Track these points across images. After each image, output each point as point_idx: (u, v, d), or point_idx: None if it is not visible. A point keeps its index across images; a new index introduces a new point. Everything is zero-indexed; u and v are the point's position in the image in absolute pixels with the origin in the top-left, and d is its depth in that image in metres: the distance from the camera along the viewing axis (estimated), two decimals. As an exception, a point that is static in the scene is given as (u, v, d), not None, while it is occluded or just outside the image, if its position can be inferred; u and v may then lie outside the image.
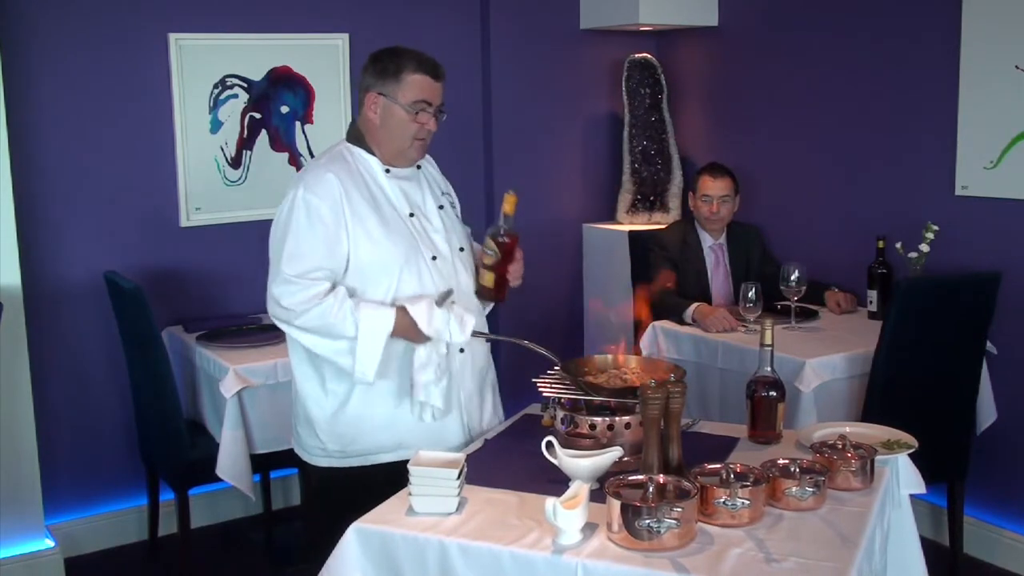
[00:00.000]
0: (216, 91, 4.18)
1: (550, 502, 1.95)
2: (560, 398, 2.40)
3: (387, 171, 2.58)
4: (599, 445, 2.27)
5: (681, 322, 3.83)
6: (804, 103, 4.44)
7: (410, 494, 2.12)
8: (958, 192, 3.85)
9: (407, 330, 2.47)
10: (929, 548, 2.60)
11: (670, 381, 2.26)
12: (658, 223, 4.79)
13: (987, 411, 3.70)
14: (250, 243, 4.24)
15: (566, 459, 2.18)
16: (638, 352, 3.62)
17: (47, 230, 3.90)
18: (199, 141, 4.16)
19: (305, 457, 2.66)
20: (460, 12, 4.74)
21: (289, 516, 4.37)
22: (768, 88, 4.60)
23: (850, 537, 1.99)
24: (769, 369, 2.47)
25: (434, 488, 2.10)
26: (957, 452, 3.57)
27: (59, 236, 3.92)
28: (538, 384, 2.46)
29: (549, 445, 2.23)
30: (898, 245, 3.85)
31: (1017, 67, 3.62)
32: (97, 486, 4.06)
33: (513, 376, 4.80)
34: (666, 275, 4.03)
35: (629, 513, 1.91)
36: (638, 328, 4.07)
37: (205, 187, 4.18)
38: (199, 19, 4.12)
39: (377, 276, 2.51)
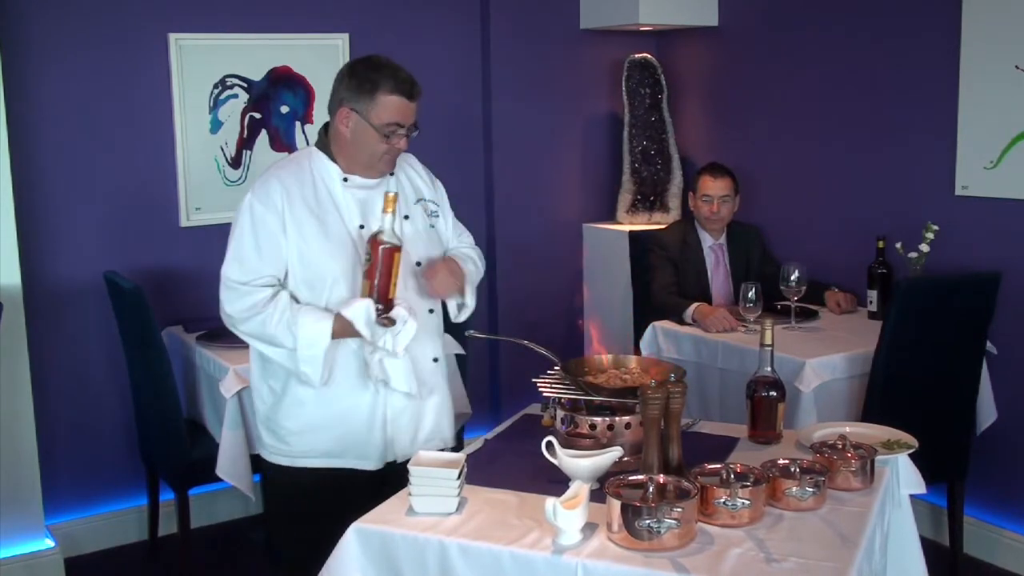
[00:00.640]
0: (216, 91, 4.18)
1: (550, 502, 1.95)
2: (560, 398, 2.41)
3: (344, 180, 2.53)
4: (599, 445, 2.27)
5: (681, 322, 3.83)
6: (804, 103, 4.44)
7: (410, 494, 2.12)
8: (958, 192, 3.85)
9: (345, 332, 2.43)
10: (929, 548, 2.60)
11: (670, 381, 2.26)
12: (658, 223, 4.78)
13: (987, 411, 3.70)
14: (250, 243, 4.25)
15: (566, 459, 2.18)
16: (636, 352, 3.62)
17: (47, 230, 3.90)
18: (199, 141, 4.16)
19: (258, 447, 2.69)
20: (460, 12, 4.74)
21: (289, 516, 4.36)
22: (768, 88, 4.60)
23: (850, 537, 1.99)
24: (769, 369, 2.47)
25: (434, 488, 2.11)
26: (957, 452, 3.57)
27: (59, 236, 3.92)
28: (538, 384, 2.46)
29: (549, 445, 2.23)
30: (898, 245, 3.85)
31: (1017, 67, 3.62)
32: (97, 486, 4.06)
33: (513, 376, 4.82)
34: (666, 276, 4.04)
35: (629, 513, 1.91)
36: (638, 328, 4.08)
37: (205, 187, 4.18)
38: (199, 19, 4.12)
39: (313, 286, 2.47)
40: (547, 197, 4.99)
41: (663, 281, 4.02)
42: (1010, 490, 3.81)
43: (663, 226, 4.45)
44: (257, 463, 3.52)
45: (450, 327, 2.77)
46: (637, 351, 3.94)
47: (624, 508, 1.92)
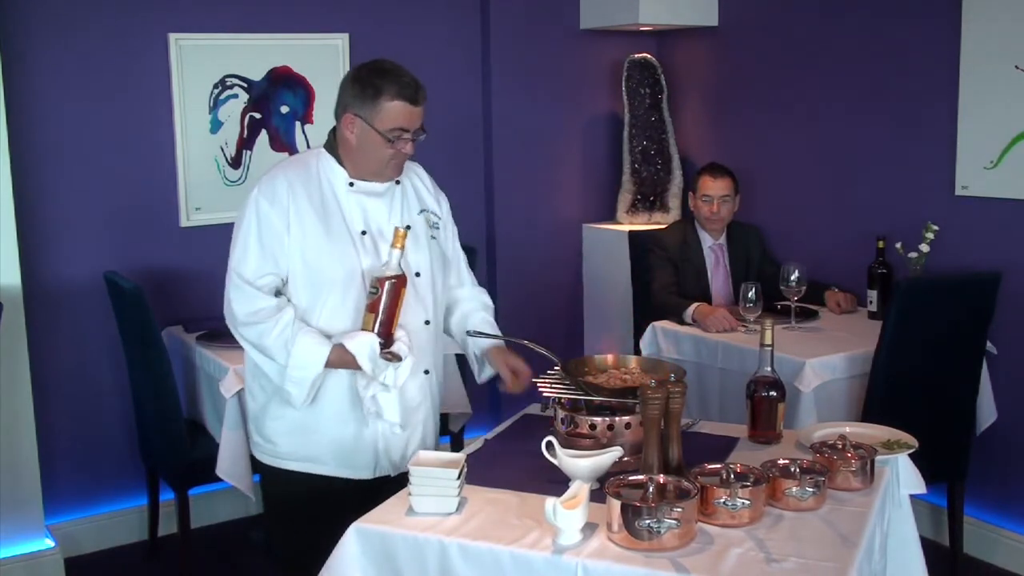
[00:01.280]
0: (216, 91, 4.18)
1: (550, 502, 1.95)
2: (560, 398, 2.40)
3: (350, 184, 2.52)
4: (599, 445, 2.27)
5: (681, 322, 3.83)
6: (804, 103, 4.44)
7: (410, 494, 2.12)
8: (958, 192, 3.85)
9: (343, 363, 2.42)
10: (929, 548, 2.60)
11: (670, 381, 2.26)
12: (658, 223, 4.78)
13: (987, 411, 3.70)
14: (250, 243, 4.24)
15: (566, 459, 2.18)
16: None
17: (47, 230, 3.90)
18: (199, 141, 4.16)
19: (251, 446, 2.68)
20: (460, 12, 4.74)
21: (289, 516, 4.36)
22: (768, 88, 4.60)
23: (850, 537, 1.99)
24: (769, 369, 2.47)
25: (434, 488, 2.10)
26: (957, 452, 3.57)
27: (59, 236, 3.92)
28: (538, 384, 2.46)
29: (549, 445, 2.23)
30: (898, 245, 3.85)
31: (1017, 67, 3.62)
32: (97, 486, 4.06)
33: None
34: (666, 276, 4.04)
35: (629, 513, 1.91)
36: (638, 328, 4.08)
37: (205, 187, 4.18)
38: (199, 19, 4.12)
39: (314, 287, 2.46)
40: (547, 197, 4.99)
41: (663, 281, 4.02)
42: (1010, 490, 3.81)
43: (663, 226, 4.45)
44: (257, 463, 3.54)
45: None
46: (637, 351, 3.94)
47: (624, 508, 1.92)
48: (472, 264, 4.13)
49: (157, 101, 4.07)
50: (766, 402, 2.48)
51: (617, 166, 5.06)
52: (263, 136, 4.30)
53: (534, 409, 2.72)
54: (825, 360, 3.39)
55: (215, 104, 4.18)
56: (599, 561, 1.90)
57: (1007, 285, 3.52)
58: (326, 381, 2.46)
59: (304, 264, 2.45)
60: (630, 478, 2.06)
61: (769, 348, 2.47)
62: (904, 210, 4.03)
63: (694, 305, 3.81)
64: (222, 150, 4.23)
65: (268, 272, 2.45)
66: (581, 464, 2.17)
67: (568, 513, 1.95)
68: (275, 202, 2.45)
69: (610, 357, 2.58)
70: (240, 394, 3.43)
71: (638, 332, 4.19)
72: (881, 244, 3.87)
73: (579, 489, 2.01)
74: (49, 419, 3.89)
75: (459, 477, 2.11)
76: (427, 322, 2.57)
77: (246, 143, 4.28)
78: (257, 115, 4.28)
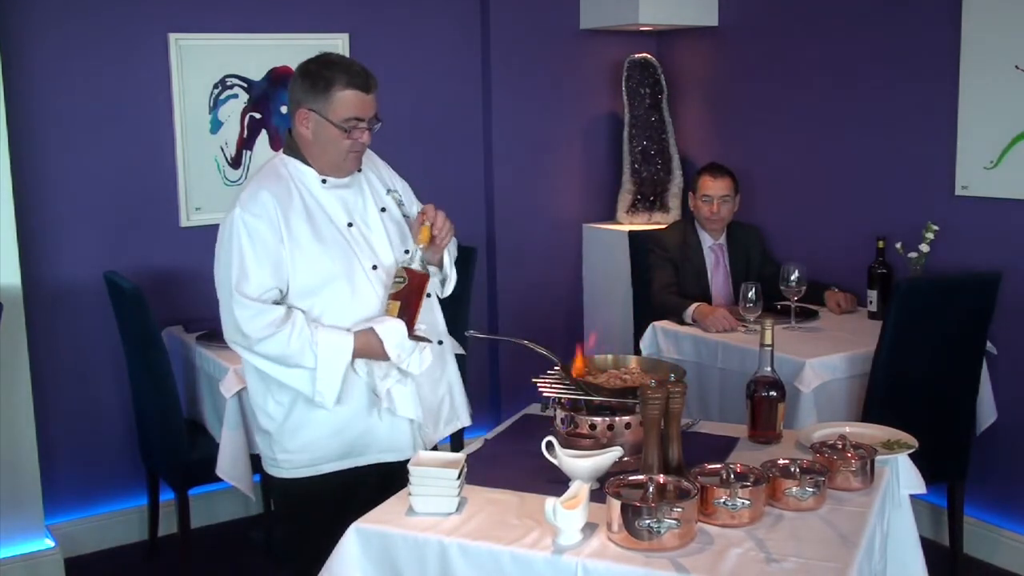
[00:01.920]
0: (216, 91, 4.18)
1: (550, 502, 1.95)
2: (560, 398, 2.40)
3: (323, 181, 2.52)
4: (599, 445, 2.27)
5: (681, 322, 3.83)
6: (804, 103, 4.44)
7: (410, 494, 2.12)
8: (958, 192, 3.85)
9: (367, 351, 2.44)
10: (929, 548, 2.60)
11: (670, 381, 2.26)
12: (658, 223, 4.78)
13: (987, 411, 3.70)
14: (250, 243, 4.24)
15: (566, 459, 2.18)
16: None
17: (47, 230, 3.90)
18: (199, 141, 4.16)
19: (264, 466, 2.64)
20: (460, 12, 4.74)
21: (289, 516, 4.36)
22: (768, 88, 4.60)
23: (850, 537, 1.99)
24: (769, 369, 2.47)
25: (434, 488, 2.10)
26: (957, 452, 3.57)
27: (59, 236, 3.92)
28: (538, 384, 2.46)
29: (549, 445, 2.23)
30: (898, 245, 3.85)
31: (1017, 67, 3.62)
32: (97, 486, 4.06)
33: (513, 376, 4.82)
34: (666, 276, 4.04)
35: (629, 513, 1.91)
36: (638, 328, 4.07)
37: (205, 187, 4.18)
38: (199, 19, 4.12)
39: (317, 292, 2.46)
40: (547, 197, 4.99)
41: (663, 281, 4.02)
42: (1010, 490, 3.81)
43: (663, 226, 4.44)
44: (257, 463, 3.54)
45: (450, 328, 2.77)
46: (637, 351, 3.94)
47: (624, 508, 1.92)
48: (472, 264, 4.16)
49: (157, 101, 4.07)
50: (766, 402, 2.48)
51: (617, 166, 5.06)
52: (263, 136, 4.31)
53: (534, 409, 2.72)
54: (825, 360, 3.39)
55: (215, 104, 4.19)
56: (599, 561, 1.90)
57: (1007, 285, 3.52)
58: (348, 375, 2.46)
59: (304, 271, 2.45)
60: (630, 478, 2.06)
61: (769, 348, 2.47)
62: (904, 210, 4.03)
63: (694, 305, 3.81)
64: (222, 150, 4.23)
65: (272, 287, 2.43)
66: (581, 464, 2.17)
67: (568, 513, 1.95)
68: (263, 216, 2.43)
69: (610, 357, 2.58)
70: (240, 394, 3.43)
71: (638, 332, 4.19)
72: (881, 244, 3.87)
73: (579, 489, 2.01)
74: (49, 419, 3.89)
75: (459, 477, 2.11)
76: (427, 294, 2.59)
77: (246, 143, 4.28)
78: (257, 115, 4.28)
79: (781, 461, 2.19)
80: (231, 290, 2.42)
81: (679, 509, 1.92)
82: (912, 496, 2.42)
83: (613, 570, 1.89)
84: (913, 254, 3.79)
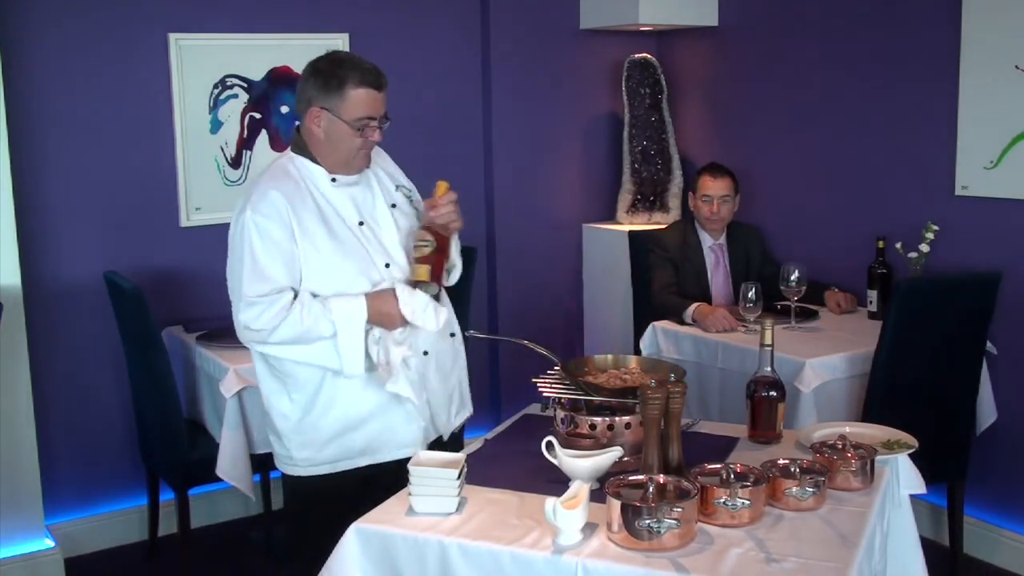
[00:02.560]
0: (216, 91, 4.18)
1: (550, 502, 1.95)
2: (560, 398, 2.40)
3: (333, 180, 2.53)
4: (599, 445, 2.27)
5: (681, 322, 3.83)
6: (804, 103, 4.44)
7: (410, 494, 2.12)
8: (958, 192, 3.85)
9: (380, 315, 2.45)
10: (929, 548, 2.60)
11: (670, 381, 2.26)
12: (658, 223, 4.78)
13: (987, 411, 3.70)
14: (250, 243, 4.24)
15: (566, 459, 2.18)
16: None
17: (47, 230, 3.90)
18: (199, 141, 4.16)
19: (279, 466, 2.65)
20: (460, 12, 4.74)
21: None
22: (768, 88, 4.60)
23: (850, 537, 1.99)
24: (769, 369, 2.47)
25: (434, 488, 2.10)
26: (957, 452, 3.57)
27: (59, 236, 3.92)
28: (538, 384, 2.46)
29: (549, 445, 2.23)
30: (898, 245, 3.85)
31: (1017, 67, 3.62)
32: (97, 486, 4.06)
33: (513, 376, 4.82)
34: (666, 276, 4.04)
35: (629, 513, 1.91)
36: (638, 328, 4.07)
37: (205, 187, 4.18)
38: (199, 19, 4.12)
39: (333, 291, 2.46)
40: (547, 197, 4.99)
41: (663, 281, 4.02)
42: (1010, 490, 3.81)
43: (663, 226, 4.44)
44: (257, 463, 3.55)
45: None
46: (637, 351, 3.94)
47: (624, 508, 1.92)
48: (472, 264, 4.16)
49: (157, 101, 4.07)
50: (766, 402, 2.48)
51: (617, 166, 5.06)
52: (263, 136, 4.30)
53: (534, 409, 2.72)
54: (825, 360, 3.39)
55: (215, 104, 4.19)
56: (599, 561, 1.90)
57: (1007, 285, 3.52)
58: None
59: (319, 270, 2.45)
60: (630, 478, 2.06)
61: (769, 348, 2.47)
62: (904, 210, 4.03)
63: (694, 305, 3.81)
64: (222, 150, 4.23)
65: (286, 286, 2.43)
66: (581, 464, 2.17)
67: (568, 513, 1.95)
68: (274, 216, 2.42)
69: (610, 357, 2.58)
70: (240, 394, 3.44)
71: (638, 332, 4.19)
72: (881, 244, 3.87)
73: (579, 489, 2.01)
74: (49, 419, 3.89)
75: (459, 477, 2.11)
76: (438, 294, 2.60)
77: (246, 143, 4.28)
78: (257, 115, 4.28)
79: (781, 461, 2.19)
80: (241, 294, 2.42)
81: (679, 509, 1.92)
82: (912, 496, 2.42)
83: (613, 570, 1.89)
84: (913, 254, 3.79)
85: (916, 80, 3.98)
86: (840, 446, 2.28)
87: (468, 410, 2.79)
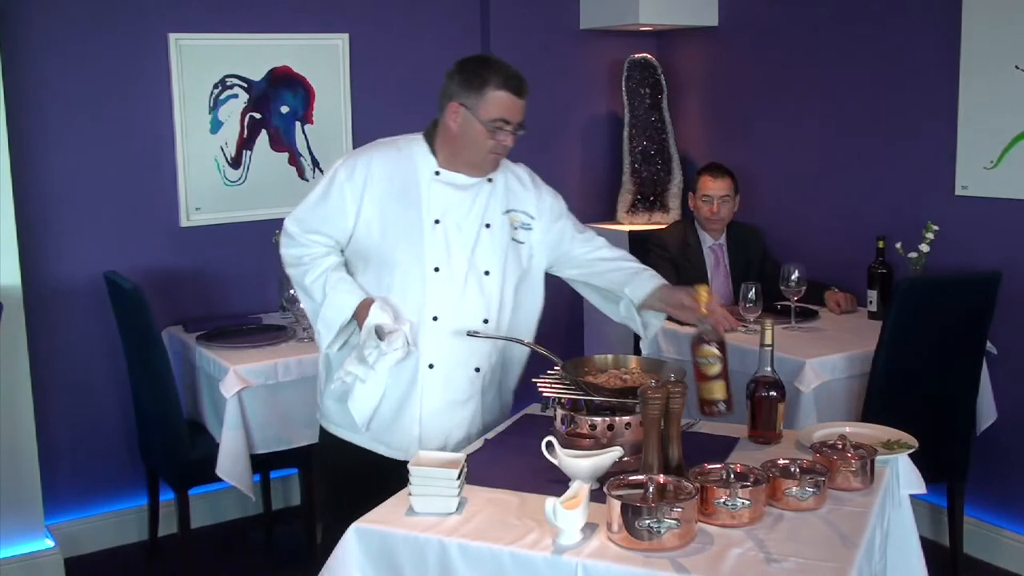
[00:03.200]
0: (216, 91, 4.18)
1: (550, 502, 1.95)
2: (560, 398, 2.40)
3: (436, 173, 2.56)
4: (599, 445, 2.27)
5: (681, 322, 3.82)
6: (804, 103, 4.44)
7: (410, 494, 2.12)
8: (958, 192, 3.85)
9: (359, 320, 2.51)
10: (929, 548, 2.60)
11: (670, 381, 2.26)
12: (658, 223, 4.78)
13: (987, 411, 3.70)
14: (250, 243, 4.24)
15: (566, 459, 2.18)
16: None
17: (47, 230, 3.90)
18: (199, 141, 4.16)
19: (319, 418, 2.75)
20: (460, 12, 4.74)
21: (289, 516, 4.37)
22: (768, 88, 4.60)
23: (850, 537, 1.99)
24: (769, 369, 2.47)
25: (434, 488, 2.10)
26: (957, 452, 3.57)
27: (59, 236, 3.92)
28: (538, 384, 2.46)
29: (549, 445, 2.23)
30: (898, 245, 3.85)
31: (1017, 67, 3.62)
32: (97, 486, 4.06)
33: (513, 376, 4.82)
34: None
35: (629, 513, 1.91)
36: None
37: (205, 187, 4.18)
38: (199, 19, 4.12)
39: (378, 269, 2.53)
40: (547, 197, 4.98)
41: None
42: (1010, 490, 3.81)
43: (663, 226, 4.45)
44: (257, 463, 3.55)
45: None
46: (637, 351, 3.94)
47: (624, 508, 1.92)
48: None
49: (157, 101, 4.07)
50: (766, 402, 2.48)
51: (617, 166, 5.05)
52: (263, 136, 4.30)
53: (534, 409, 2.71)
54: (825, 360, 3.39)
55: (215, 104, 4.18)
56: (599, 561, 1.90)
57: (1007, 285, 3.52)
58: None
59: (373, 243, 2.52)
60: (630, 478, 2.06)
61: (769, 348, 2.47)
62: (904, 210, 4.03)
63: (694, 305, 3.80)
64: (222, 150, 4.22)
65: (315, 231, 2.56)
66: (581, 464, 2.17)
67: (568, 513, 1.95)
68: (351, 179, 2.52)
69: (610, 357, 2.57)
70: (240, 394, 3.44)
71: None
72: (881, 244, 3.87)
73: (579, 489, 2.01)
74: (49, 419, 3.89)
75: (459, 477, 2.10)
76: (486, 320, 2.57)
77: (246, 143, 4.28)
78: (257, 115, 4.28)
79: (781, 461, 2.19)
80: (293, 213, 2.60)
81: (679, 509, 1.92)
82: (912, 496, 2.42)
83: (613, 570, 1.88)
84: (913, 254, 3.79)
85: (916, 80, 3.98)
86: (840, 446, 2.28)
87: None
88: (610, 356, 2.58)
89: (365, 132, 4.37)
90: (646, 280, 2.68)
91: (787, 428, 2.56)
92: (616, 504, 1.93)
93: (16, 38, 3.76)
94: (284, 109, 4.33)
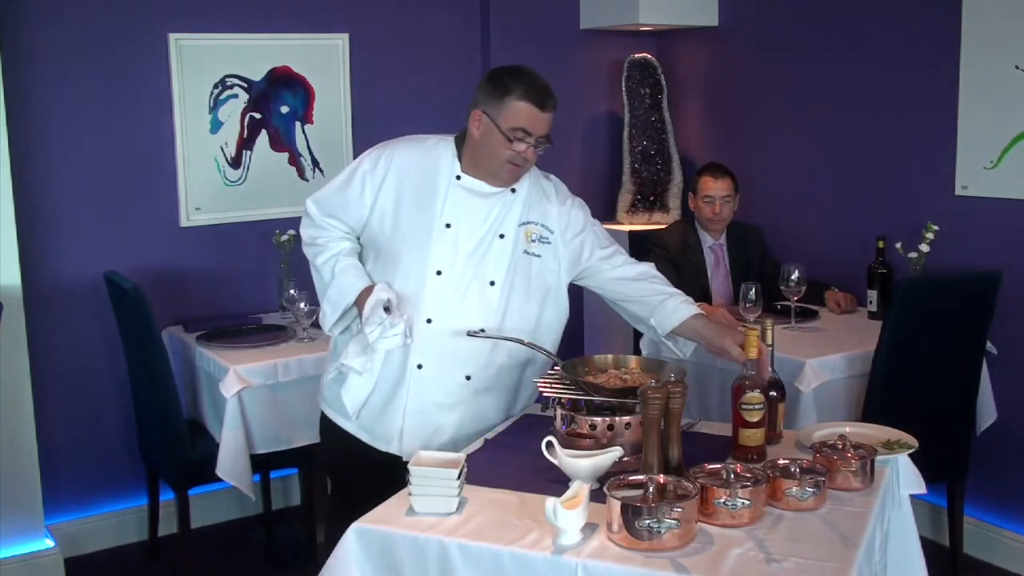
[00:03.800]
0: (216, 91, 4.18)
1: (550, 502, 1.95)
2: (560, 398, 2.40)
3: (458, 177, 2.55)
4: (599, 445, 2.26)
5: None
6: (804, 103, 4.44)
7: (410, 494, 2.12)
8: (958, 192, 3.85)
9: (359, 303, 2.54)
10: (929, 548, 2.60)
11: (670, 381, 2.26)
12: (658, 223, 4.78)
13: (987, 411, 3.70)
14: (250, 243, 4.25)
15: (566, 459, 2.18)
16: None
17: (47, 230, 3.90)
18: (199, 141, 4.16)
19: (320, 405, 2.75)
20: (460, 12, 4.74)
21: (289, 516, 4.37)
22: (768, 88, 4.60)
23: (850, 537, 1.99)
24: (769, 369, 2.47)
25: (434, 488, 2.10)
26: (957, 452, 3.57)
27: (59, 236, 3.92)
28: (538, 384, 2.46)
29: (549, 445, 2.23)
30: (898, 245, 3.85)
31: (1017, 67, 3.62)
32: (97, 486, 4.06)
33: (513, 376, 4.82)
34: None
35: (629, 513, 1.91)
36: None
37: (205, 187, 4.18)
38: (199, 19, 4.12)
39: (382, 262, 2.56)
40: (547, 197, 4.98)
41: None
42: (1010, 490, 3.81)
43: (663, 226, 4.45)
44: (257, 463, 3.55)
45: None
46: (637, 351, 3.94)
47: (624, 508, 1.92)
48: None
49: (157, 101, 4.07)
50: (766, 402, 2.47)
51: (617, 166, 5.05)
52: (263, 136, 4.30)
53: (534, 409, 2.71)
54: (825, 360, 3.39)
55: (215, 104, 4.18)
56: (599, 561, 1.90)
57: (1007, 285, 3.52)
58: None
59: (383, 237, 2.55)
60: (630, 478, 2.06)
61: (769, 348, 2.47)
62: (904, 210, 4.03)
63: (694, 305, 3.80)
64: (222, 150, 4.22)
65: (333, 215, 2.59)
66: (581, 464, 2.17)
67: (568, 513, 1.94)
68: (373, 170, 2.55)
69: (610, 357, 2.57)
70: (240, 394, 3.44)
71: (638, 332, 4.18)
72: (881, 244, 3.87)
73: (579, 489, 2.01)
74: (49, 419, 3.89)
75: (459, 477, 2.10)
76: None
77: (246, 143, 4.28)
78: (257, 115, 4.28)
79: (781, 461, 2.19)
80: (316, 193, 2.65)
81: (679, 509, 1.92)
82: (912, 496, 2.42)
83: (613, 570, 1.88)
84: (913, 254, 3.79)
85: (916, 80, 3.98)
86: (840, 446, 2.28)
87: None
88: (610, 356, 2.57)
89: (365, 132, 4.37)
90: (672, 311, 2.66)
91: (787, 428, 2.56)
92: (616, 504, 1.93)
93: (16, 38, 3.76)
94: (284, 109, 4.33)
